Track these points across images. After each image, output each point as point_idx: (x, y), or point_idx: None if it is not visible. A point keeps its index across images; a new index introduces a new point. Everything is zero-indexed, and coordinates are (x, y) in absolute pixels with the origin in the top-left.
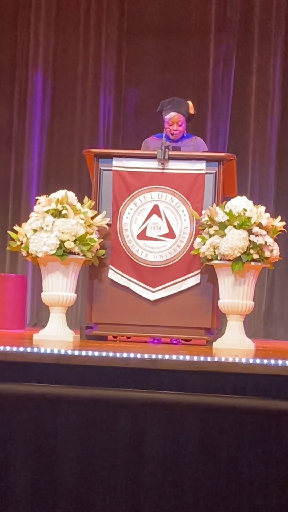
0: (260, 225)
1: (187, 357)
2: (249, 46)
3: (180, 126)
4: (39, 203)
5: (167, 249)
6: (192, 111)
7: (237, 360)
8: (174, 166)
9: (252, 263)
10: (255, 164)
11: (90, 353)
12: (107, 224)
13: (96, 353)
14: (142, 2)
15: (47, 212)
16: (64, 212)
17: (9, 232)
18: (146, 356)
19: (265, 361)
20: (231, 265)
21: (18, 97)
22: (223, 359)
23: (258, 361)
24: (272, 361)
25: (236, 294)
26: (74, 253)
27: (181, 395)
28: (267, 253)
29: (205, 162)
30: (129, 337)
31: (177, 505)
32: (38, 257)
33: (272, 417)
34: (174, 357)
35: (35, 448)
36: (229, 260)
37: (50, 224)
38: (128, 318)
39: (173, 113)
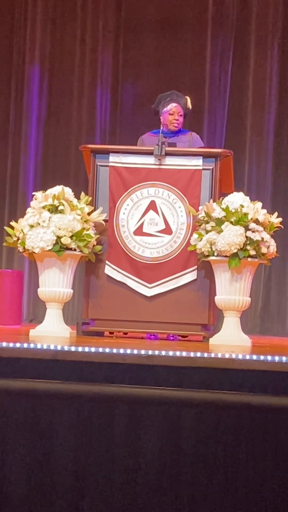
0: (257, 221)
1: (184, 353)
2: (246, 41)
3: (180, 116)
4: (35, 199)
5: (163, 245)
6: (190, 106)
7: (233, 356)
8: (171, 162)
9: (249, 259)
10: (252, 160)
11: (86, 349)
12: (104, 220)
13: (93, 349)
14: None
15: (43, 207)
16: (60, 207)
17: (5, 227)
18: (142, 352)
19: (262, 357)
20: (228, 261)
21: (14, 93)
22: (219, 355)
23: (254, 357)
24: (269, 357)
25: (232, 290)
26: (71, 249)
27: (178, 391)
28: (263, 249)
29: (202, 158)
30: (125, 333)
31: (174, 501)
32: (34, 252)
33: (269, 413)
34: (170, 353)
35: (31, 444)
36: (226, 256)
37: (47, 220)
38: (124, 314)
39: (174, 104)
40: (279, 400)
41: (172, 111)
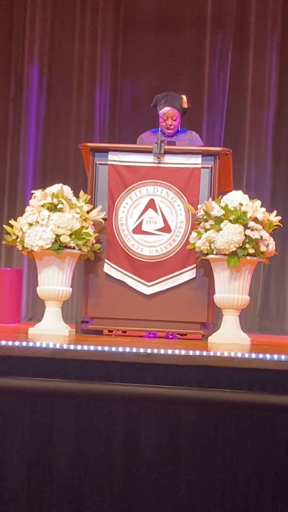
0: (256, 220)
1: (183, 352)
2: (245, 39)
3: (174, 121)
4: (34, 197)
5: (162, 243)
6: (186, 105)
7: (232, 354)
8: (170, 161)
9: (248, 257)
10: (251, 158)
11: (85, 347)
12: (103, 218)
13: (92, 348)
14: None
15: (42, 206)
16: (59, 206)
17: (4, 226)
18: (141, 350)
19: (261, 356)
20: (227, 260)
21: (13, 91)
22: (218, 354)
23: (253, 355)
24: (268, 356)
25: (231, 289)
26: (70, 247)
27: (177, 389)
28: (262, 248)
29: (201, 156)
30: (124, 332)
31: (173, 499)
32: (33, 251)
33: (268, 412)
34: (169, 351)
35: (31, 442)
36: (225, 254)
37: (46, 218)
38: (123, 312)
39: (167, 108)
40: (277, 399)
41: (165, 116)
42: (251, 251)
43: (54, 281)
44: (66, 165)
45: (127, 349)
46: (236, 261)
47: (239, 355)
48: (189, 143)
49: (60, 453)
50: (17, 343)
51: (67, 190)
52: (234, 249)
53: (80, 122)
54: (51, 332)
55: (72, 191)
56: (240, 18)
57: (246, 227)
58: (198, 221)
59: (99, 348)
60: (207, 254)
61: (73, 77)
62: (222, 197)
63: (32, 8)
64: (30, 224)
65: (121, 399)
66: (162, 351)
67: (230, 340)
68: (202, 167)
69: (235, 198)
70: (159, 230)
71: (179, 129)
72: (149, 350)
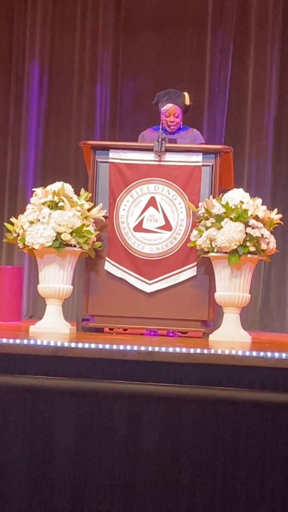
0: (256, 218)
1: (184, 350)
2: (246, 38)
3: (176, 117)
4: (35, 195)
5: (163, 241)
6: (188, 102)
7: (233, 352)
8: (171, 158)
9: (249, 255)
10: (252, 156)
11: (86, 345)
12: (104, 216)
13: (93, 345)
14: None
15: (43, 204)
16: (60, 204)
17: (5, 224)
18: (142, 348)
19: (261, 354)
20: (228, 258)
21: (14, 88)
22: (219, 352)
23: (254, 353)
24: (268, 354)
25: (232, 287)
26: (71, 245)
27: (178, 387)
28: (263, 246)
29: (202, 154)
30: (125, 329)
31: (173, 497)
32: (34, 249)
33: (268, 409)
34: (170, 349)
35: (32, 440)
36: (226, 252)
37: (47, 216)
38: (124, 310)
39: (169, 105)
40: (278, 397)
41: (167, 113)
42: (252, 249)
43: (55, 279)
44: (67, 163)
45: (128, 347)
46: (237, 259)
47: (239, 353)
48: (191, 140)
49: (61, 451)
50: (18, 341)
51: (68, 188)
52: (235, 247)
53: (81, 120)
54: (52, 330)
55: (73, 189)
56: (241, 16)
57: (247, 225)
58: (199, 219)
59: (100, 346)
60: (208, 252)
61: (73, 75)
62: (223, 195)
63: (33, 7)
64: (31, 222)
65: (122, 397)
66: (163, 349)
67: (230, 338)
68: (203, 165)
69: (236, 196)
70: (160, 228)
71: (181, 126)
72: (150, 348)
